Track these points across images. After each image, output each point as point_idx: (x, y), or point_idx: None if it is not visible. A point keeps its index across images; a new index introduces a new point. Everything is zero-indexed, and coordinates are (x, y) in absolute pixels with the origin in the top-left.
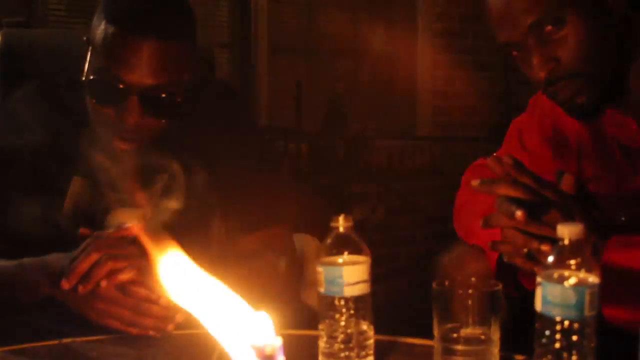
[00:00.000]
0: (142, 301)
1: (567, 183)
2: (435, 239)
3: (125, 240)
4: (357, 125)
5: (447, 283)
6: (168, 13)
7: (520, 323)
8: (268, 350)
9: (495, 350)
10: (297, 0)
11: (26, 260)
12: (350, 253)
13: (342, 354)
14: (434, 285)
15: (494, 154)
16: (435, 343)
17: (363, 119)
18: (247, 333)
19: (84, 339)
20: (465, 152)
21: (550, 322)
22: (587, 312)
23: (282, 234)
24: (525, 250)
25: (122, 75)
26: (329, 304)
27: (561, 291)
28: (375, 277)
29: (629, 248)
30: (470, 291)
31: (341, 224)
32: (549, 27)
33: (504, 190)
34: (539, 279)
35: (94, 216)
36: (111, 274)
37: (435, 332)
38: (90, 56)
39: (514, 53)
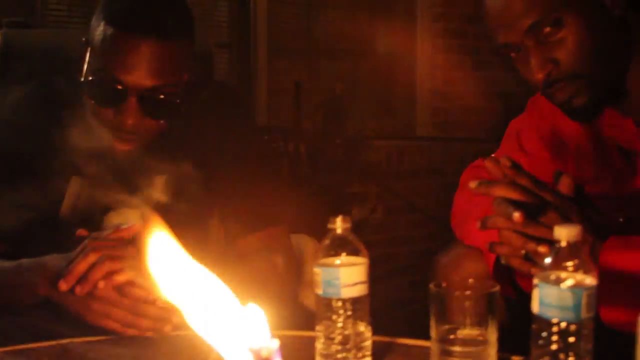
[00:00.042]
0: (139, 302)
1: (564, 184)
2: (434, 239)
3: (123, 241)
4: (357, 126)
5: (444, 284)
6: (167, 14)
7: (518, 324)
8: (264, 353)
9: (493, 351)
10: (297, 0)
11: (24, 261)
12: (347, 254)
13: (340, 355)
14: (431, 286)
15: (492, 156)
16: (432, 344)
17: (362, 119)
18: (243, 335)
19: (82, 340)
20: (465, 152)
21: (547, 324)
22: (584, 314)
23: (280, 234)
24: (522, 251)
25: (120, 76)
26: (326, 305)
27: (558, 293)
28: (375, 277)
29: (626, 249)
30: (467, 292)
31: (339, 225)
32: (547, 29)
33: (502, 191)
34: (536, 281)
35: (92, 216)
36: (109, 275)
37: (433, 333)
38: (89, 57)
39: (512, 55)
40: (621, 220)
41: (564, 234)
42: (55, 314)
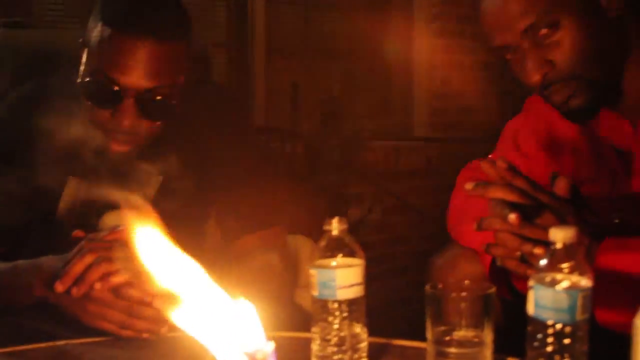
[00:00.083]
0: (135, 304)
1: (561, 186)
2: (431, 240)
3: (119, 243)
4: (354, 126)
5: (440, 286)
6: (163, 15)
7: (514, 326)
8: (259, 356)
9: (489, 353)
10: (294, 1)
11: (20, 262)
12: (344, 256)
13: (336, 357)
14: (427, 287)
15: (488, 157)
16: (428, 346)
17: (360, 120)
18: (239, 337)
19: (78, 341)
20: (462, 153)
21: (542, 325)
22: (579, 316)
23: (277, 234)
24: (518, 253)
25: (117, 78)
26: (322, 306)
27: (553, 295)
28: (371, 277)
29: (622, 250)
30: (463, 294)
31: (335, 226)
32: (543, 30)
33: (498, 193)
34: (531, 283)
35: (88, 217)
36: (105, 276)
37: (429, 334)
38: (85, 58)
39: (508, 56)
40: (617, 221)
41: (559, 235)
42: (51, 315)
